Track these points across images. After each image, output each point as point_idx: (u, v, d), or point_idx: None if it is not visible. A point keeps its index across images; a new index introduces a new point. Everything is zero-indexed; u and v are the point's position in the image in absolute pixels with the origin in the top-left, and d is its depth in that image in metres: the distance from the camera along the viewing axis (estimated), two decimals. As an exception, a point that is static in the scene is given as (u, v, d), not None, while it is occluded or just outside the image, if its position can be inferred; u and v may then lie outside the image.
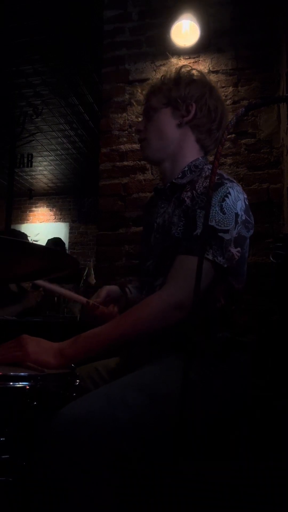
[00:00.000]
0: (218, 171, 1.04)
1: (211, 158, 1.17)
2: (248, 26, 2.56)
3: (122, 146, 2.73)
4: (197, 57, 2.65)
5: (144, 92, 1.27)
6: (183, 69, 1.22)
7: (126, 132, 2.73)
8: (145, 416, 0.89)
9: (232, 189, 1.04)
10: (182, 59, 2.62)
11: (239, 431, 1.05)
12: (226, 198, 1.02)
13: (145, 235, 1.27)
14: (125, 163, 2.71)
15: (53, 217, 8.48)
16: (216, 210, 1.00)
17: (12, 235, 3.25)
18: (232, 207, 1.02)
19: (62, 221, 8.40)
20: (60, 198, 8.50)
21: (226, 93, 2.55)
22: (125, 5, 2.81)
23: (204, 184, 1.08)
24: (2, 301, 2.81)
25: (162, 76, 1.23)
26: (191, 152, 1.20)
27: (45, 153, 6.74)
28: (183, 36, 2.60)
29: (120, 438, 0.84)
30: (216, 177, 1.04)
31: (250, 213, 1.10)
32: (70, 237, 8.25)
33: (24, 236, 3.39)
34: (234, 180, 1.08)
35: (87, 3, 3.55)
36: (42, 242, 4.91)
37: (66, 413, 0.84)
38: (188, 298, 0.94)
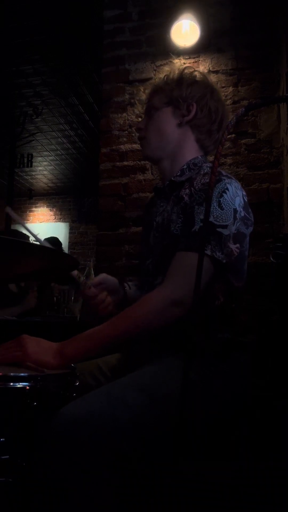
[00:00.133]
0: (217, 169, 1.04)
1: (211, 158, 1.17)
2: (248, 26, 2.56)
3: (122, 146, 2.73)
4: (197, 57, 2.65)
5: (146, 91, 1.28)
6: (186, 70, 1.23)
7: (126, 132, 2.73)
8: (145, 416, 0.89)
9: (230, 185, 1.04)
10: (182, 59, 2.62)
11: (239, 431, 1.05)
12: (224, 194, 1.02)
13: (145, 235, 1.28)
14: (125, 163, 2.71)
15: (53, 217, 8.48)
16: (214, 206, 1.00)
17: (13, 235, 3.25)
18: (230, 202, 1.02)
19: (62, 221, 8.40)
20: (60, 198, 8.50)
21: (226, 93, 2.55)
22: (125, 5, 2.82)
23: (202, 180, 1.08)
24: (2, 301, 2.81)
25: (165, 76, 1.24)
26: (190, 152, 1.21)
27: (45, 153, 6.74)
28: (183, 36, 2.60)
29: (120, 438, 0.84)
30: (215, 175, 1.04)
31: (249, 210, 1.10)
32: (70, 237, 8.25)
33: (25, 236, 3.39)
34: (233, 177, 1.08)
35: (87, 3, 3.55)
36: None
37: (66, 413, 0.84)
38: (187, 294, 0.94)
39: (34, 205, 8.52)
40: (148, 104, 1.26)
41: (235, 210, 1.03)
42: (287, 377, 1.10)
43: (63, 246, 7.95)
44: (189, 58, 2.65)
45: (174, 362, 0.98)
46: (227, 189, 1.03)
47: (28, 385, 0.81)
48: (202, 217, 1.02)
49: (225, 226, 1.01)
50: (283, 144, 2.35)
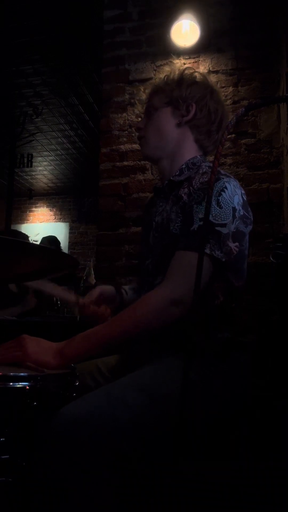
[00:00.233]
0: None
1: (211, 158, 1.17)
2: (248, 26, 2.56)
3: (122, 146, 2.73)
4: (197, 57, 2.65)
5: (147, 91, 1.29)
6: (186, 71, 1.23)
7: (126, 132, 2.73)
8: (145, 416, 0.89)
9: (229, 183, 1.04)
10: (182, 59, 2.62)
11: (239, 431, 1.05)
12: (222, 193, 1.02)
13: (145, 235, 1.28)
14: (125, 163, 2.71)
15: (53, 217, 8.48)
16: (213, 205, 1.00)
17: (13, 235, 3.25)
18: (229, 201, 1.02)
19: (62, 221, 8.40)
20: (60, 198, 8.50)
21: (226, 93, 2.55)
22: (125, 5, 2.82)
23: (200, 180, 1.09)
24: (2, 301, 2.81)
25: (165, 76, 1.24)
26: (189, 151, 1.21)
27: (45, 153, 6.74)
28: (183, 36, 2.60)
29: (120, 438, 0.84)
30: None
31: (249, 208, 1.10)
32: (70, 237, 8.25)
33: (25, 236, 3.39)
34: (231, 176, 1.08)
35: (87, 3, 3.55)
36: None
37: (66, 413, 0.84)
38: (186, 294, 0.94)
39: (34, 205, 8.51)
40: (148, 104, 1.27)
41: (234, 209, 1.03)
42: (287, 377, 1.10)
43: (63, 246, 7.97)
44: (189, 58, 2.64)
45: (174, 362, 0.98)
46: (226, 187, 1.03)
47: (28, 385, 0.81)
48: (201, 216, 1.02)
49: (224, 225, 1.01)
50: (283, 144, 2.35)
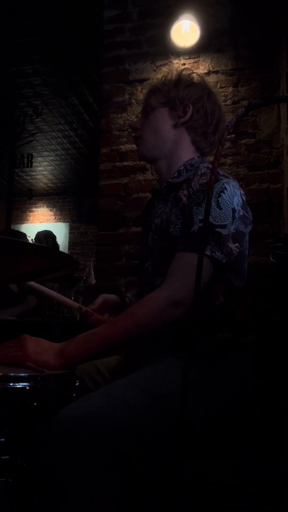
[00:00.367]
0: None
1: (211, 159, 1.17)
2: (248, 26, 2.56)
3: (122, 146, 2.73)
4: (197, 57, 2.65)
5: (144, 91, 1.29)
6: (184, 72, 1.23)
7: (126, 132, 2.73)
8: (145, 416, 0.89)
9: (228, 184, 1.04)
10: (182, 59, 2.62)
11: (239, 431, 1.05)
12: (222, 194, 1.02)
13: (144, 236, 1.28)
14: (125, 163, 2.71)
15: (53, 217, 8.48)
16: (212, 206, 1.01)
17: (13, 235, 3.25)
18: (228, 202, 1.02)
19: (62, 221, 8.40)
20: (60, 198, 8.50)
21: (226, 93, 2.55)
22: (125, 5, 2.81)
23: (199, 181, 1.09)
24: (2, 301, 2.81)
25: (163, 76, 1.24)
26: (187, 153, 1.21)
27: (45, 153, 6.74)
28: (183, 36, 2.59)
29: (120, 438, 0.84)
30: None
31: (248, 208, 1.11)
32: (70, 237, 8.25)
33: (24, 236, 3.39)
34: (230, 176, 1.08)
35: (87, 3, 3.55)
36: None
37: (66, 414, 0.84)
38: (187, 295, 0.94)
39: (34, 205, 8.52)
40: (145, 104, 1.26)
41: (233, 210, 1.03)
42: (287, 377, 1.10)
43: (63, 246, 7.96)
44: (189, 58, 2.64)
45: (174, 362, 0.98)
46: (225, 188, 1.03)
47: (28, 385, 0.81)
48: (201, 217, 1.02)
49: (224, 226, 1.01)
50: (283, 144, 2.35)
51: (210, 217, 1.00)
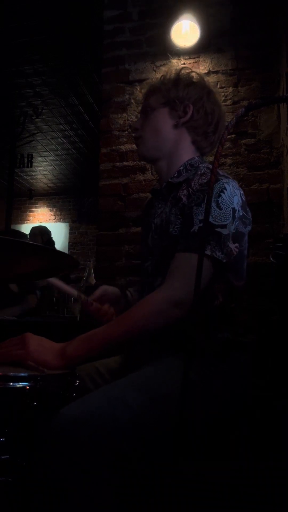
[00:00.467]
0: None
1: (211, 159, 1.17)
2: (248, 26, 2.56)
3: (122, 146, 2.73)
4: (197, 57, 2.65)
5: (143, 91, 1.28)
6: (183, 71, 1.23)
7: (126, 132, 2.73)
8: (145, 416, 0.89)
9: (228, 184, 1.04)
10: (182, 59, 2.62)
11: (239, 431, 1.05)
12: (222, 194, 1.02)
13: (144, 236, 1.28)
14: (125, 163, 2.71)
15: (53, 217, 8.48)
16: (212, 206, 1.01)
17: (13, 235, 3.25)
18: (228, 202, 1.02)
19: (62, 221, 8.40)
20: (60, 198, 8.50)
21: (226, 93, 2.55)
22: (125, 5, 2.82)
23: (199, 181, 1.09)
24: (2, 301, 2.81)
25: (161, 76, 1.24)
26: (187, 153, 1.21)
27: (45, 153, 6.74)
28: (183, 36, 2.60)
29: (120, 438, 0.84)
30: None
31: (248, 208, 1.11)
32: (70, 237, 8.25)
33: (25, 236, 3.39)
34: (230, 176, 1.08)
35: (87, 3, 3.55)
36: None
37: (66, 413, 0.84)
38: (187, 295, 0.94)
39: (34, 205, 8.52)
40: (144, 104, 1.26)
41: (233, 210, 1.03)
42: (287, 377, 1.10)
43: (63, 246, 7.95)
44: (189, 58, 2.65)
45: (174, 362, 0.98)
46: (225, 188, 1.03)
47: (28, 385, 0.81)
48: (201, 217, 1.02)
49: (224, 226, 1.01)
50: (283, 144, 2.35)
51: (210, 217, 1.00)
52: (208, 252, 0.98)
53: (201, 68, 2.60)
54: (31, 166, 6.51)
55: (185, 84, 1.20)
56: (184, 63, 2.60)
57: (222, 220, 1.01)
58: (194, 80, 1.22)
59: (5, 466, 0.78)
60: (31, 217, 8.52)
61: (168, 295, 0.97)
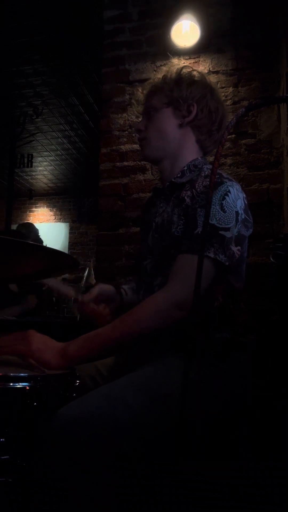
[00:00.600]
0: (217, 170, 1.04)
1: (211, 159, 1.17)
2: (248, 26, 2.56)
3: (122, 146, 2.73)
4: (197, 57, 2.65)
5: (144, 92, 1.27)
6: (184, 70, 1.22)
7: (126, 132, 2.73)
8: (145, 416, 0.89)
9: (232, 187, 1.04)
10: (182, 59, 2.62)
11: (239, 431, 1.05)
12: (226, 197, 1.02)
13: (144, 235, 1.28)
14: (125, 163, 2.71)
15: (53, 217, 8.48)
16: (216, 209, 1.01)
17: (13, 235, 3.25)
18: (232, 205, 1.02)
19: (62, 221, 8.40)
20: (60, 198, 8.50)
21: (226, 94, 2.55)
22: (125, 5, 2.82)
23: (204, 183, 1.09)
24: (2, 301, 2.81)
25: (163, 76, 1.23)
26: (191, 153, 1.21)
27: (45, 153, 6.74)
28: (183, 36, 2.60)
29: (120, 438, 0.84)
30: (216, 176, 1.04)
31: (249, 212, 1.11)
32: (70, 237, 8.25)
33: (25, 236, 3.37)
34: (233, 179, 1.08)
35: (87, 3, 3.55)
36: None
37: (66, 413, 0.84)
38: (189, 297, 0.93)
39: (34, 205, 8.52)
40: (147, 105, 1.25)
41: (237, 213, 1.03)
42: (287, 377, 1.10)
43: (63, 246, 7.94)
44: (189, 58, 2.65)
45: (174, 362, 0.98)
46: (229, 191, 1.03)
47: (28, 385, 0.81)
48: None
49: (227, 229, 1.01)
50: (283, 144, 2.35)
51: (214, 219, 1.00)
52: (211, 255, 0.98)
53: (201, 68, 2.60)
54: (31, 166, 6.52)
55: (188, 83, 1.20)
56: (184, 63, 2.59)
57: (226, 223, 1.01)
58: (196, 78, 1.22)
59: (5, 466, 0.78)
60: (31, 217, 8.51)
61: (170, 297, 0.97)
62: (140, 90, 1.30)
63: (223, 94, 2.53)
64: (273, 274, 1.12)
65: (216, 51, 2.61)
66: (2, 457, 0.78)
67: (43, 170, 7.42)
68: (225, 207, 1.01)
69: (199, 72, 1.24)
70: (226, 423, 1.02)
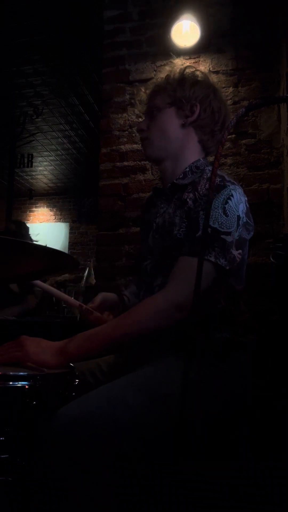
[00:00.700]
0: (219, 172, 1.04)
1: (211, 159, 1.17)
2: (248, 26, 2.56)
3: (122, 146, 2.73)
4: (197, 57, 2.65)
5: (147, 91, 1.27)
6: (187, 70, 1.22)
7: (127, 132, 2.73)
8: (145, 416, 0.89)
9: (235, 191, 1.04)
10: (182, 59, 2.61)
11: (239, 431, 1.05)
12: (229, 201, 1.02)
13: (144, 235, 1.27)
14: (125, 163, 2.71)
15: (53, 217, 8.48)
16: (219, 213, 1.01)
17: (13, 235, 3.24)
18: (234, 209, 1.02)
19: (62, 221, 8.40)
20: (60, 198, 8.50)
21: (226, 94, 2.55)
22: (125, 5, 2.81)
23: (206, 185, 1.09)
24: (2, 301, 2.81)
25: (166, 76, 1.23)
26: (193, 153, 1.20)
27: (45, 153, 6.74)
28: (183, 36, 2.59)
29: (120, 438, 0.84)
30: (219, 179, 1.04)
31: (250, 215, 1.11)
32: (70, 237, 8.26)
33: (25, 236, 3.37)
34: (236, 183, 1.08)
35: (87, 3, 3.56)
36: (42, 242, 4.83)
37: (66, 413, 0.84)
38: (189, 299, 0.94)
39: (34, 205, 8.52)
40: (150, 105, 1.25)
41: (238, 217, 1.03)
42: (287, 377, 1.10)
43: (63, 246, 7.94)
44: (190, 58, 2.64)
45: (174, 362, 0.98)
46: (232, 195, 1.03)
47: (28, 385, 0.81)
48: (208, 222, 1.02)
49: (229, 233, 1.01)
50: (283, 144, 2.35)
51: (217, 223, 1.00)
52: (212, 259, 0.98)
53: (201, 68, 2.60)
54: (31, 166, 6.52)
55: (191, 83, 1.19)
56: (184, 63, 2.59)
57: (228, 227, 1.01)
58: (199, 78, 1.21)
59: (5, 465, 0.78)
60: (31, 217, 8.52)
61: (170, 298, 0.97)
62: (143, 89, 1.30)
63: (223, 94, 2.53)
64: (273, 274, 1.12)
65: (216, 51, 2.61)
66: (2, 457, 0.78)
67: (43, 170, 7.42)
68: (227, 211, 1.01)
69: (202, 72, 1.24)
70: (226, 423, 1.02)
